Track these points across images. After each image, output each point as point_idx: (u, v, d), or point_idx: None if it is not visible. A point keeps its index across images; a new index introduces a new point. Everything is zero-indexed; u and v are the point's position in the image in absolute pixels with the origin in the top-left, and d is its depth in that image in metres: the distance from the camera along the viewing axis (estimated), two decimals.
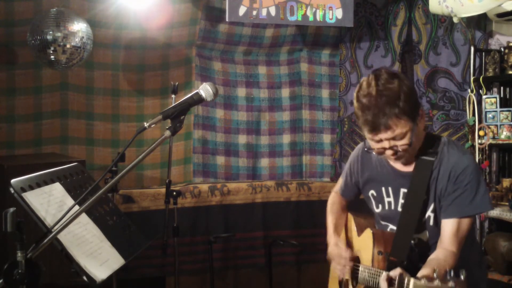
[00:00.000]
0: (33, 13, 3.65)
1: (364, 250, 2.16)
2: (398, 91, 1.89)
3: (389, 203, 2.15)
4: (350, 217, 2.39)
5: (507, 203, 3.67)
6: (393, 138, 1.92)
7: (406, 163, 2.07)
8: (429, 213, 2.04)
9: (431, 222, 2.05)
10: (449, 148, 2.03)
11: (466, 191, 1.96)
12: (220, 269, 3.86)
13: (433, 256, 1.96)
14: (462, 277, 1.62)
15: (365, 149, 2.08)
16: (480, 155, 3.82)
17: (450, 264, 1.90)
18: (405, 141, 1.92)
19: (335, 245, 2.26)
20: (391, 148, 1.94)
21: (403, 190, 2.09)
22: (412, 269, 1.88)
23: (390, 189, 2.14)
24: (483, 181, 2.02)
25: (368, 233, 2.14)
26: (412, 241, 2.06)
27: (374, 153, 2.02)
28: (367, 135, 1.96)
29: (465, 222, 1.97)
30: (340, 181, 2.44)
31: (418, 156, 2.04)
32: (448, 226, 1.97)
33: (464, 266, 1.97)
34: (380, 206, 2.19)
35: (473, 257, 2.14)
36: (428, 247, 2.07)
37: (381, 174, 2.16)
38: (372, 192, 2.22)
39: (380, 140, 1.93)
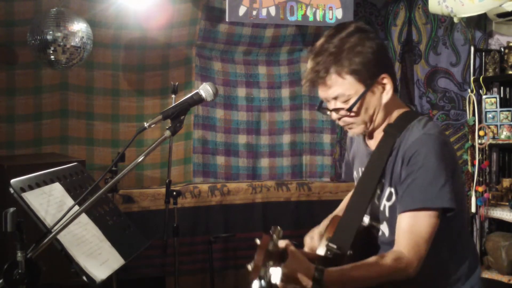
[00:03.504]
0: (33, 13, 3.64)
1: None
2: (350, 44, 1.59)
3: None
4: None
5: (507, 203, 3.67)
6: (335, 99, 1.63)
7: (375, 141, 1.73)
8: (384, 201, 1.66)
9: (387, 213, 1.66)
10: (415, 125, 1.63)
11: (419, 178, 1.54)
12: (220, 269, 3.85)
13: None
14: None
15: (317, 108, 1.78)
16: (480, 155, 3.82)
17: (387, 267, 1.49)
18: (346, 105, 1.62)
19: (310, 238, 1.93)
20: (334, 111, 1.65)
21: None
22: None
23: (362, 169, 1.79)
24: (450, 172, 1.55)
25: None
26: (374, 231, 1.71)
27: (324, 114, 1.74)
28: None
29: (423, 216, 1.52)
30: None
31: (385, 132, 1.68)
32: (400, 220, 1.57)
33: (439, 280, 1.66)
34: None
35: (453, 270, 1.66)
36: (391, 242, 1.62)
37: (359, 152, 1.84)
38: (355, 173, 1.89)
39: (327, 100, 1.66)
